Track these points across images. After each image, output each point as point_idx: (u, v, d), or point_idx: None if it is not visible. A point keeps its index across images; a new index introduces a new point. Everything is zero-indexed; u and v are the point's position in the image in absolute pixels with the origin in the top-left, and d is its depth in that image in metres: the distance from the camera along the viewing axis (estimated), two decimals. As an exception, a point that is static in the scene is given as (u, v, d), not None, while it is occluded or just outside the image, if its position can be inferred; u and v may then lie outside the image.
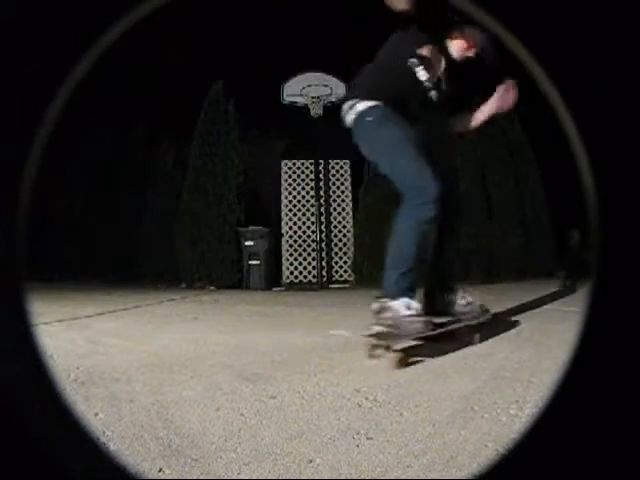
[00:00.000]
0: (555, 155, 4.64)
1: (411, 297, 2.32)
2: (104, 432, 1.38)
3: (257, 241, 7.54)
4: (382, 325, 2.28)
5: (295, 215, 8.20)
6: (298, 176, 8.33)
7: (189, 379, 2.00)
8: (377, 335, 2.26)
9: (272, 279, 7.69)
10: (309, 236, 8.09)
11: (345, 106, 2.60)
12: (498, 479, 0.43)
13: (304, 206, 8.22)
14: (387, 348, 2.22)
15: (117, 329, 3.36)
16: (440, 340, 2.41)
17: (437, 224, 2.34)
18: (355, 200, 8.12)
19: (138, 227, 8.05)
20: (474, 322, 2.56)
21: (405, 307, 2.27)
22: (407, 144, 2.40)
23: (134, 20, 0.43)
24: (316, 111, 8.06)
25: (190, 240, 7.68)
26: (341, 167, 8.37)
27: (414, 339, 2.34)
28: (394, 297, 2.31)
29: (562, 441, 0.41)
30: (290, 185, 8.30)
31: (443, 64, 2.64)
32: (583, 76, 0.40)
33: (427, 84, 2.52)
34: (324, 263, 8.05)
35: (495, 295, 5.59)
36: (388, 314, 2.28)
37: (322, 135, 8.15)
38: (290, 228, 8.14)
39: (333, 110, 8.21)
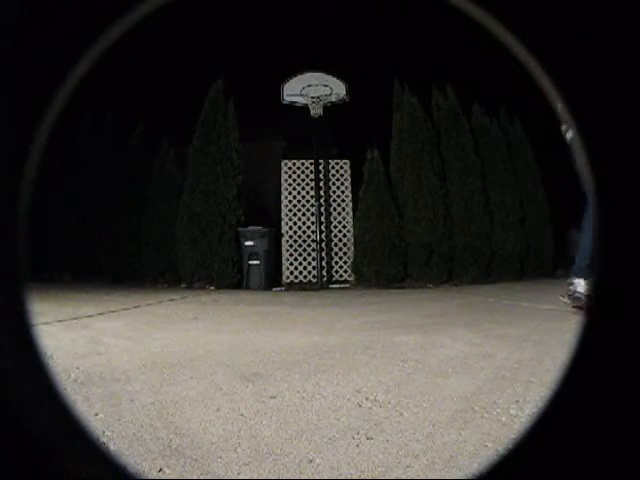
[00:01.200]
0: (555, 155, 4.64)
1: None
2: (104, 432, 1.39)
3: (257, 241, 7.54)
4: (565, 295, 3.53)
5: (295, 215, 8.20)
6: (298, 176, 8.33)
7: (189, 379, 2.00)
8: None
9: (272, 279, 7.69)
10: (309, 236, 8.09)
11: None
12: (498, 479, 0.43)
13: (304, 206, 8.21)
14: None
15: (117, 329, 3.36)
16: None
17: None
18: (355, 200, 8.11)
19: (138, 227, 8.05)
20: None
21: (579, 285, 3.38)
22: None
23: (134, 20, 0.43)
24: (316, 111, 8.06)
25: (190, 240, 7.68)
26: (341, 167, 8.37)
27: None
28: (577, 276, 3.42)
29: (562, 441, 0.41)
30: (290, 185, 8.30)
31: None
32: (583, 75, 0.40)
33: None
34: (324, 263, 8.05)
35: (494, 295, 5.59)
36: (571, 287, 3.47)
37: (322, 135, 8.16)
38: (290, 228, 8.14)
39: (333, 110, 8.22)
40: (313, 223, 8.08)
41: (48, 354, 2.30)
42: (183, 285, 7.72)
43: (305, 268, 8.03)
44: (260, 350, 2.59)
